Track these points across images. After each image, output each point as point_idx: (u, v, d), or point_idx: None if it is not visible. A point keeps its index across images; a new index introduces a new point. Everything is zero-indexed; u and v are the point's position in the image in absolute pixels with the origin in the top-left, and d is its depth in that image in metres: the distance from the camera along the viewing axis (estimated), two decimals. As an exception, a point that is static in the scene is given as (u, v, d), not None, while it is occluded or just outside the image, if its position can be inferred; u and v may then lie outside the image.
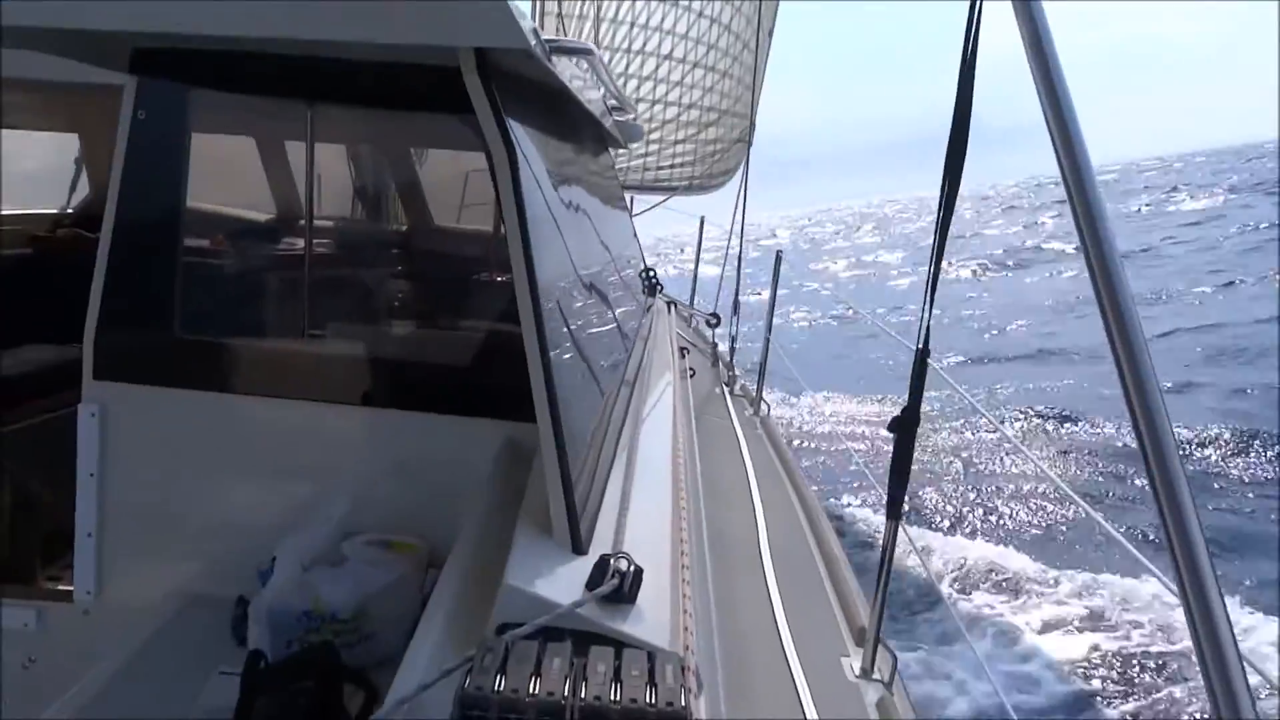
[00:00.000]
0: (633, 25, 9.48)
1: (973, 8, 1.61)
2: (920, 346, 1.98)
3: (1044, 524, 7.87)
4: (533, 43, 1.57)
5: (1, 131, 3.60)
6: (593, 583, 1.38)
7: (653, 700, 1.07)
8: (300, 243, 2.60)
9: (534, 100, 2.05)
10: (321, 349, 2.48)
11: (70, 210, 4.68)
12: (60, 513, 2.35)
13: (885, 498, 2.23)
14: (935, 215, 1.82)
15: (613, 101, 3.21)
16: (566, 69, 2.08)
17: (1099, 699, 5.64)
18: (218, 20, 1.60)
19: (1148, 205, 48.80)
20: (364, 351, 2.48)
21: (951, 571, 7.16)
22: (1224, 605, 1.00)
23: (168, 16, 1.62)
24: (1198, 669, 1.00)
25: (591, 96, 2.69)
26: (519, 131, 1.75)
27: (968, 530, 7.98)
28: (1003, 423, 10.59)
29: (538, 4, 8.66)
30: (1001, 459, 9.72)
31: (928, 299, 1.92)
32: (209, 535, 2.33)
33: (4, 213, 4.22)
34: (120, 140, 2.15)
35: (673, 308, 5.16)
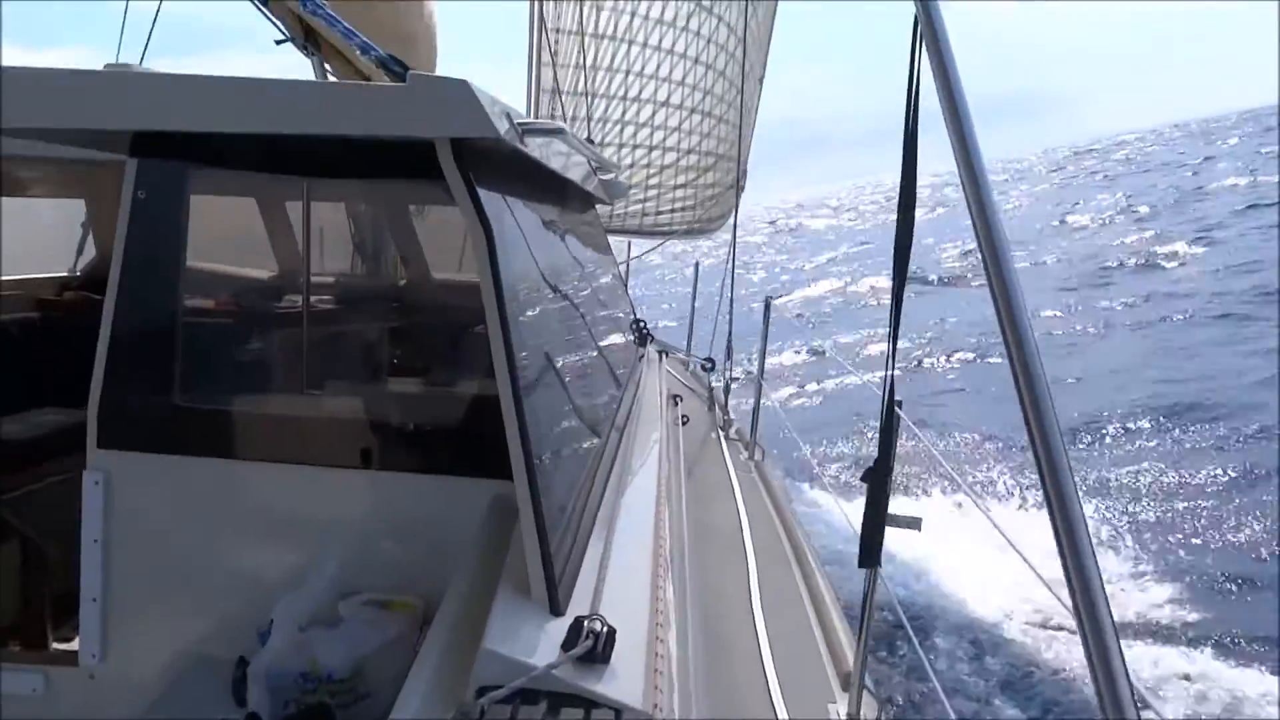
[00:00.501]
0: (628, 73, 9.67)
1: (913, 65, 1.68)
2: (889, 396, 2.04)
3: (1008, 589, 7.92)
4: (503, 129, 1.67)
5: (1, 200, 3.70)
6: (568, 644, 1.44)
7: None
8: (298, 303, 2.68)
9: (511, 172, 2.15)
10: (317, 412, 2.55)
11: (78, 273, 4.79)
12: (69, 574, 2.41)
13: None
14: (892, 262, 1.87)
15: (596, 164, 3.32)
16: (541, 146, 2.18)
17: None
18: (216, 120, 1.72)
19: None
20: (358, 413, 2.55)
21: (935, 615, 7.20)
22: (1111, 618, 1.06)
23: (168, 118, 1.74)
24: None
25: (571, 164, 2.79)
26: (495, 204, 1.85)
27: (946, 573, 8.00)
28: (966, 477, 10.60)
29: (533, 49, 8.86)
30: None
31: (890, 350, 1.98)
32: (211, 597, 2.39)
33: (11, 277, 4.33)
34: (122, 219, 2.25)
35: (664, 356, 5.23)
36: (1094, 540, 1.11)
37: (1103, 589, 1.05)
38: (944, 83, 1.41)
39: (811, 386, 17.27)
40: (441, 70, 4.44)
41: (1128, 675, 1.01)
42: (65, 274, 4.74)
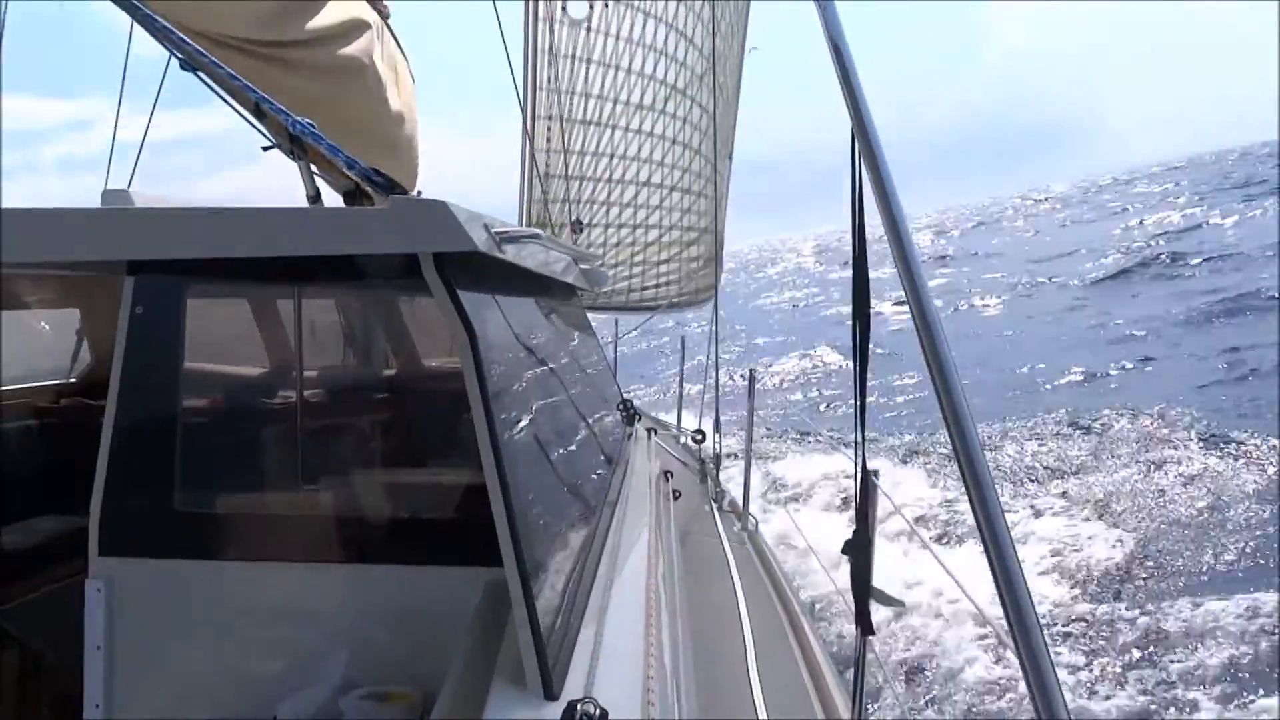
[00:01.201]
0: (611, 156, 9.95)
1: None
2: (861, 467, 2.11)
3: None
4: (481, 241, 1.79)
5: (1, 314, 3.79)
6: None
7: None
8: (291, 400, 2.76)
9: (492, 275, 2.26)
10: (313, 509, 2.61)
11: (73, 380, 4.86)
12: (70, 680, 2.44)
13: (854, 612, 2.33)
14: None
15: (576, 256, 3.45)
16: (520, 250, 2.29)
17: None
18: (210, 248, 1.83)
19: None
20: (352, 508, 2.61)
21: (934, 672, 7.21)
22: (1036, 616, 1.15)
23: (163, 249, 1.85)
24: None
25: (550, 262, 2.91)
26: (477, 306, 1.95)
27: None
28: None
29: (525, 141, 9.12)
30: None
31: (858, 420, 2.06)
32: (214, 700, 2.41)
33: (9, 387, 4.39)
34: (120, 333, 2.33)
35: (653, 433, 5.31)
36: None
37: (1031, 604, 1.15)
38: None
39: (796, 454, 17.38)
40: (424, 169, 4.62)
41: (1059, 684, 1.10)
42: (61, 381, 4.81)
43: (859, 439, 2.01)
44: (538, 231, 2.26)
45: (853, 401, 2.02)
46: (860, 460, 2.04)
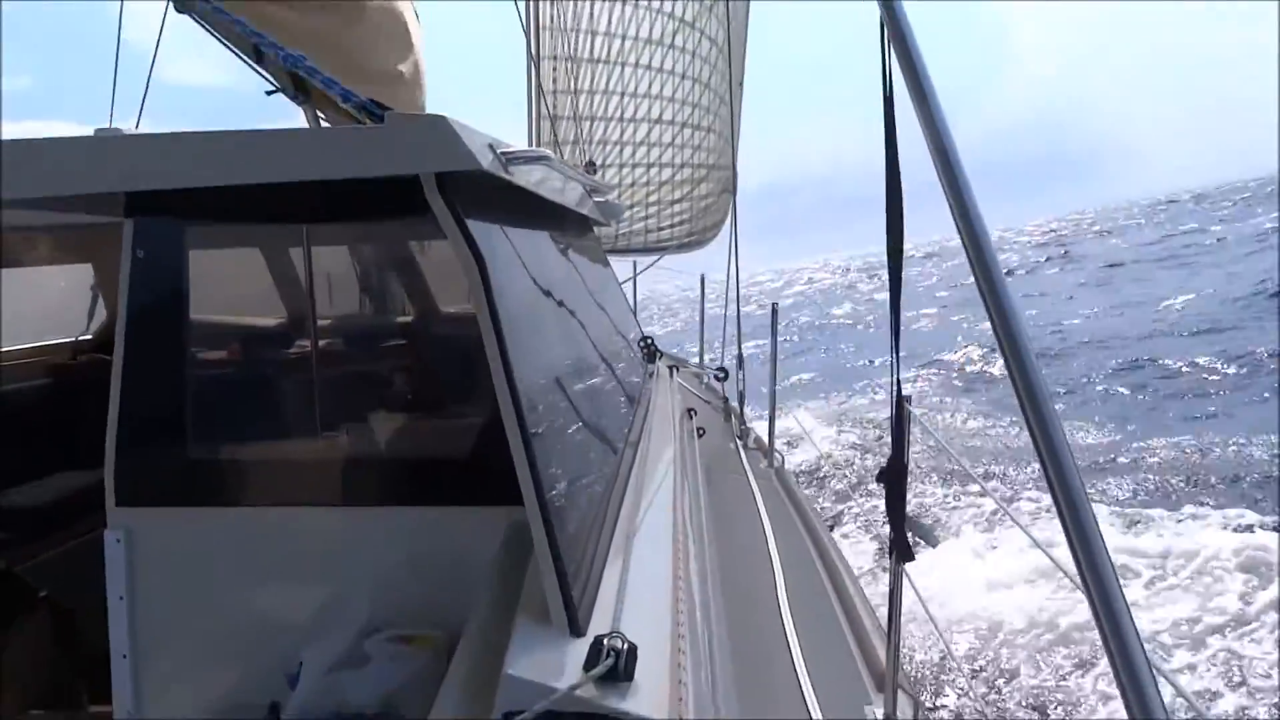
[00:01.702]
0: (621, 95, 9.76)
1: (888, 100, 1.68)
2: (895, 392, 2.03)
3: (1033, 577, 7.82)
4: (486, 161, 1.70)
5: (2, 272, 3.76)
6: (589, 663, 1.45)
7: None
8: (305, 346, 2.71)
9: (500, 201, 2.18)
10: (329, 454, 2.57)
11: (89, 336, 4.86)
12: (102, 634, 2.44)
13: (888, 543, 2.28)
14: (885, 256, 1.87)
15: (589, 186, 3.35)
16: (528, 173, 2.20)
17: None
18: (208, 174, 1.76)
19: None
20: (371, 452, 2.57)
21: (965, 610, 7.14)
22: (1130, 615, 1.05)
23: (157, 177, 1.78)
24: None
25: (562, 189, 2.82)
26: (485, 234, 1.87)
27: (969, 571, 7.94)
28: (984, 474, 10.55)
29: (530, 82, 8.95)
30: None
31: (893, 344, 1.98)
32: (240, 645, 2.41)
33: (24, 346, 4.39)
34: (123, 279, 2.28)
35: (675, 370, 5.24)
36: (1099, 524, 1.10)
37: (1115, 578, 1.05)
38: (913, 82, 1.42)
39: (824, 386, 17.31)
40: (433, 109, 4.50)
41: (1150, 668, 1.01)
42: (77, 338, 4.81)
43: (894, 361, 1.93)
44: (547, 153, 2.17)
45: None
46: (895, 384, 1.96)
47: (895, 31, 1.48)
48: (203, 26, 3.56)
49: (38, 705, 3.02)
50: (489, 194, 2.03)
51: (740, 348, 6.15)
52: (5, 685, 3.08)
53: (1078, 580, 1.09)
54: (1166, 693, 1.03)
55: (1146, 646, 1.02)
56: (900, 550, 2.26)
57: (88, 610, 2.81)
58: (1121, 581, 1.05)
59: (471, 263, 1.75)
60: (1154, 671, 1.01)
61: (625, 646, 1.47)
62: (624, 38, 9.53)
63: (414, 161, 1.70)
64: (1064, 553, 1.14)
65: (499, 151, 1.84)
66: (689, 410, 4.52)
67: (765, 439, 5.43)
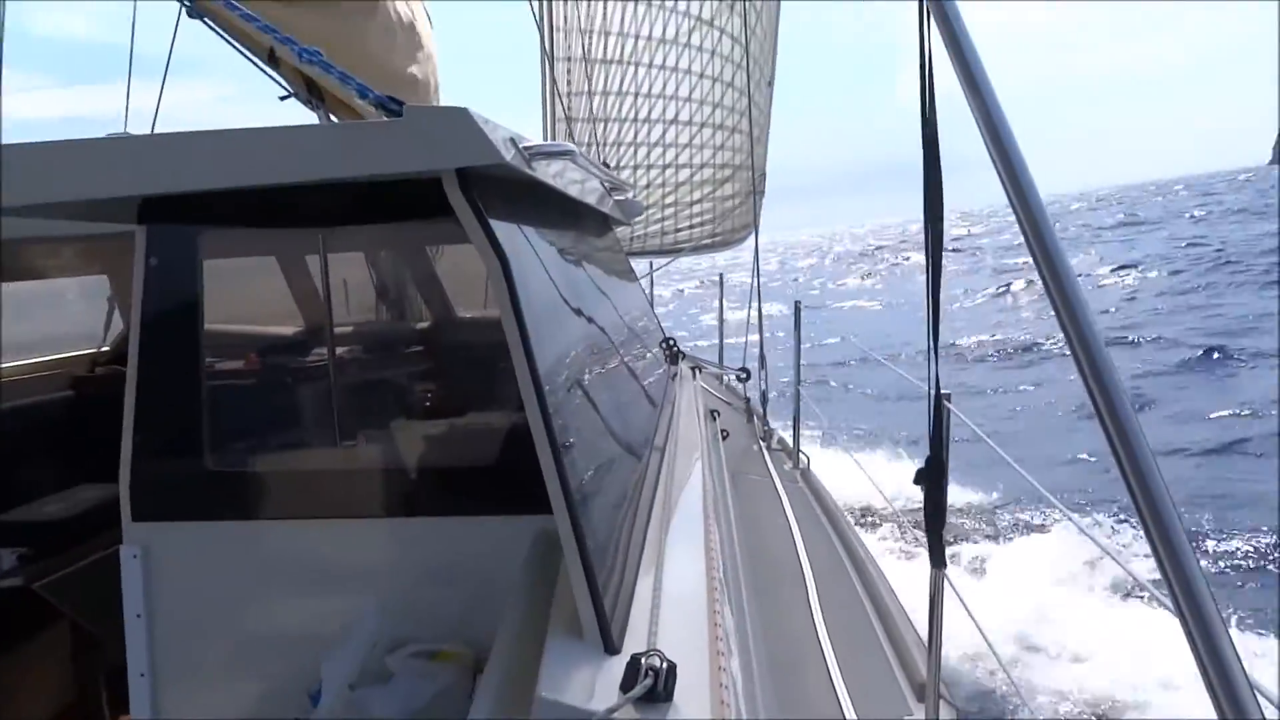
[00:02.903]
0: (636, 95, 9.69)
1: (923, 57, 1.60)
2: (934, 390, 1.94)
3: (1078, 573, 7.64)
4: (509, 155, 1.62)
5: (2, 286, 3.72)
6: (627, 684, 1.36)
7: None
8: (323, 354, 2.65)
9: (523, 199, 2.10)
10: (351, 464, 2.51)
11: (106, 348, 4.83)
12: (121, 650, 2.38)
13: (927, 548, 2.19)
14: (925, 251, 1.78)
15: (610, 184, 3.27)
16: (551, 168, 2.13)
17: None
18: (223, 176, 1.69)
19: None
20: (391, 461, 2.50)
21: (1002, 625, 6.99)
22: (1223, 624, 0.95)
23: (173, 178, 1.71)
24: None
25: (583, 185, 2.74)
26: (509, 233, 1.80)
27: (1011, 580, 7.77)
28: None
29: (545, 83, 8.90)
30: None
31: (931, 340, 1.87)
32: (260, 661, 2.35)
33: (44, 358, 4.36)
34: (136, 287, 2.22)
35: (697, 372, 5.16)
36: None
37: (1207, 585, 0.95)
38: (961, 63, 1.32)
39: (851, 386, 17.10)
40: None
41: (1244, 669, 0.91)
42: (95, 350, 4.78)
43: (932, 354, 1.83)
44: (570, 147, 2.08)
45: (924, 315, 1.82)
46: (933, 377, 1.86)
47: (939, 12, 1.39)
48: (214, 30, 3.52)
49: None
50: (511, 191, 1.96)
51: (762, 348, 6.05)
52: (25, 703, 3.03)
53: (1157, 589, 1.00)
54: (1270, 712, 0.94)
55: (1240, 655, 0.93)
56: (938, 555, 2.17)
57: (109, 625, 2.76)
58: (1211, 585, 0.95)
59: (495, 263, 1.67)
60: (1253, 687, 0.91)
61: (664, 666, 1.39)
62: (638, 37, 9.46)
63: (435, 156, 1.62)
64: (1140, 564, 1.05)
65: (521, 146, 1.77)
66: (712, 412, 4.44)
67: (790, 440, 5.33)
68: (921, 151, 1.67)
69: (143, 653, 2.31)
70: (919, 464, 2.08)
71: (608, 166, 8.20)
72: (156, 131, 3.68)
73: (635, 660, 1.39)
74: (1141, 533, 1.01)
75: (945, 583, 2.22)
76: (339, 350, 2.66)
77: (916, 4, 1.51)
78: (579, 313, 2.46)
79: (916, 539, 7.60)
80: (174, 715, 2.32)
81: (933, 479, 2.05)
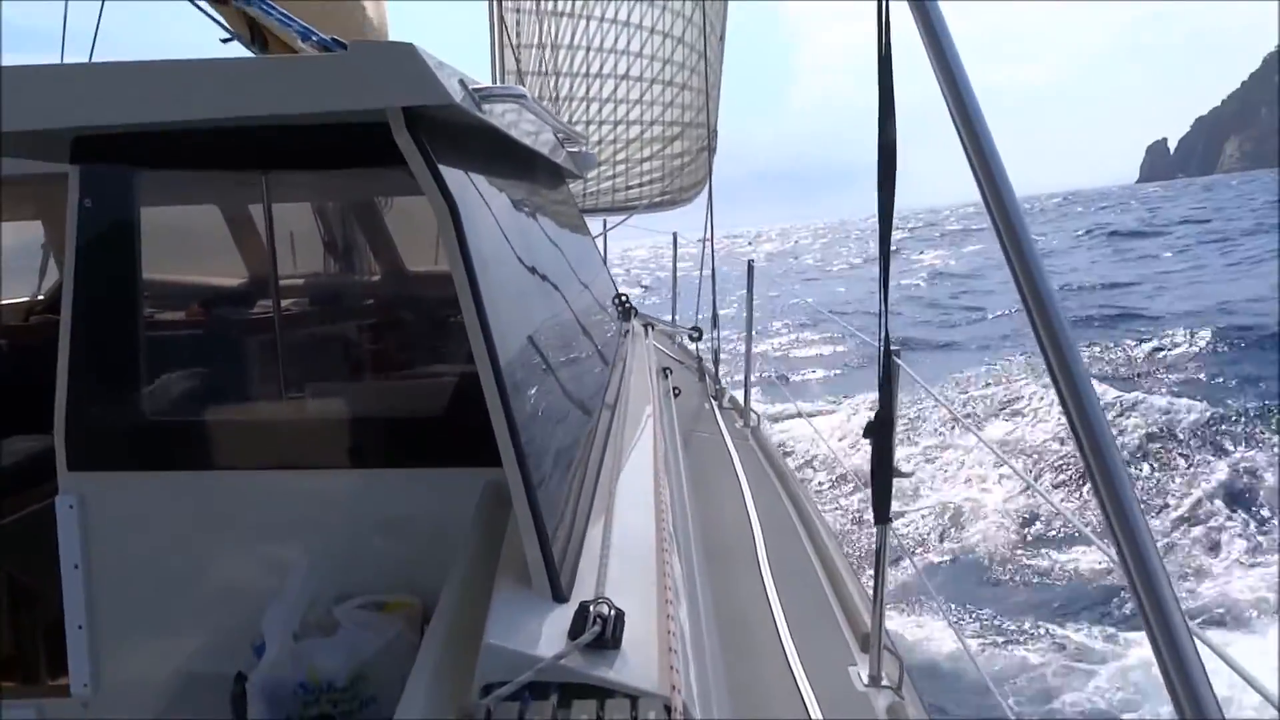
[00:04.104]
0: (588, 49, 9.56)
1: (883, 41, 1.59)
2: (884, 347, 1.95)
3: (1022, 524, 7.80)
4: (458, 96, 1.59)
5: None
6: (574, 631, 1.37)
7: None
8: (268, 304, 2.59)
9: (473, 145, 2.06)
10: (296, 414, 2.47)
11: (41, 296, 4.68)
12: (58, 602, 2.33)
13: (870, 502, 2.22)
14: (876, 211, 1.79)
15: (562, 134, 3.23)
16: (503, 113, 2.08)
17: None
18: (156, 109, 1.62)
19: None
20: (337, 413, 2.47)
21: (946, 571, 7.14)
22: (1176, 602, 0.97)
23: (105, 112, 1.64)
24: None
25: (536, 134, 2.70)
26: (458, 179, 1.76)
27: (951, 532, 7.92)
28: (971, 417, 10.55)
29: (494, 34, 8.74)
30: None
31: (882, 295, 1.89)
32: (201, 614, 2.31)
33: None
34: (70, 230, 2.15)
35: (650, 329, 5.16)
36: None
37: (1157, 552, 0.97)
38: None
39: (801, 346, 17.24)
40: None
41: (1179, 605, 0.94)
42: (29, 298, 4.64)
43: (882, 311, 1.84)
44: (522, 90, 2.03)
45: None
46: (884, 336, 1.88)
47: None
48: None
49: None
50: (461, 136, 1.92)
51: (715, 307, 6.07)
52: None
53: (1098, 539, 1.02)
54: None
55: (1184, 609, 0.95)
56: (883, 510, 2.20)
57: (44, 580, 2.70)
58: (1153, 535, 0.98)
59: (444, 209, 1.63)
60: (1194, 638, 0.94)
61: (612, 613, 1.39)
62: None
63: (380, 94, 1.57)
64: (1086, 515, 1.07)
65: (471, 88, 1.72)
66: (664, 370, 4.44)
67: (740, 399, 5.37)
68: (877, 112, 1.68)
69: (80, 605, 2.26)
70: (867, 419, 2.11)
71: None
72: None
73: (584, 607, 1.40)
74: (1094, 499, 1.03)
75: (889, 536, 2.26)
76: (284, 300, 2.61)
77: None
78: (530, 265, 2.43)
79: (863, 495, 7.76)
80: (113, 669, 2.29)
81: (881, 433, 2.07)
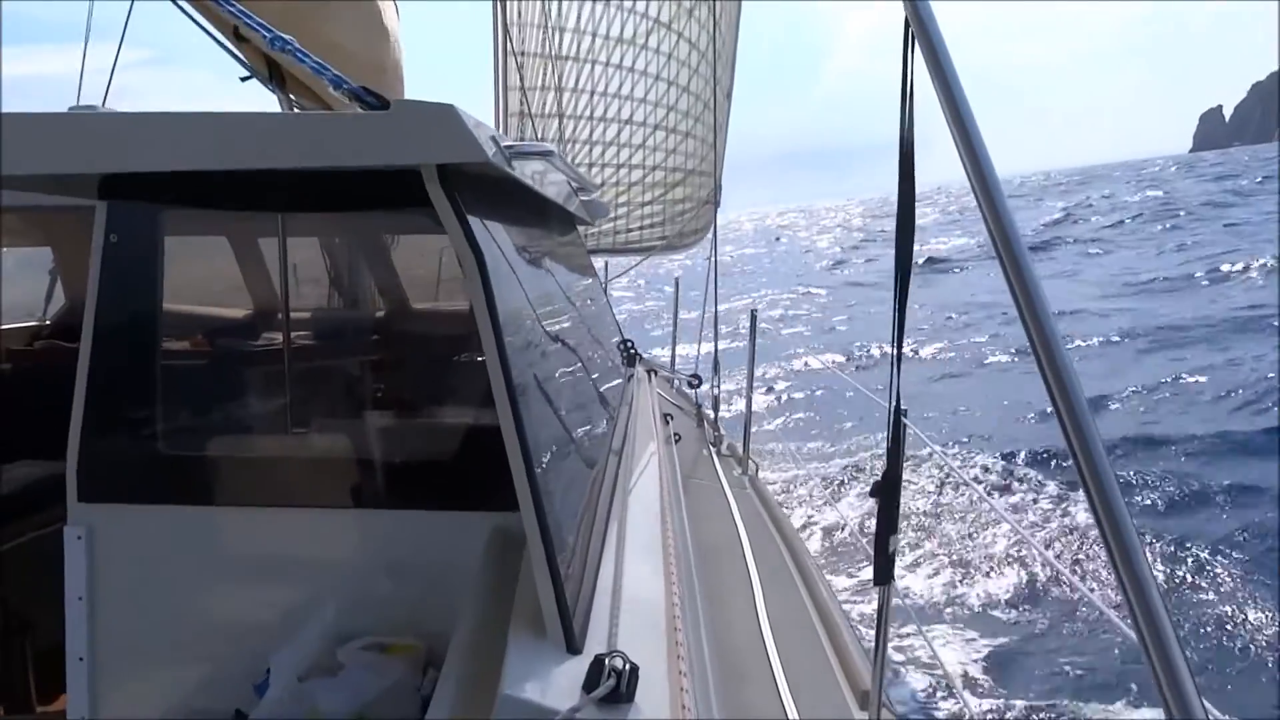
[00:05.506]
0: (593, 93, 9.68)
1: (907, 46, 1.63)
2: (894, 405, 1.97)
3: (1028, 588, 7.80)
4: (491, 153, 1.63)
5: None
6: (590, 684, 1.39)
7: None
8: (278, 341, 2.62)
9: (498, 196, 2.11)
10: (304, 453, 2.48)
11: (47, 322, 4.70)
12: (54, 632, 2.33)
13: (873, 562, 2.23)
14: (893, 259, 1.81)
15: (577, 184, 3.29)
16: (529, 169, 2.13)
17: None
18: (190, 159, 1.66)
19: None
20: (347, 452, 2.48)
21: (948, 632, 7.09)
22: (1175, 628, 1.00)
23: (139, 159, 1.67)
24: None
25: (556, 184, 2.75)
26: (484, 230, 1.80)
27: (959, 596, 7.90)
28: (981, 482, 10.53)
29: (500, 70, 8.86)
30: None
31: (894, 355, 1.91)
32: (203, 650, 2.31)
33: None
34: (94, 264, 2.18)
35: (652, 375, 5.20)
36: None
37: (1157, 588, 1.00)
38: (940, 80, 1.37)
39: (800, 397, 17.19)
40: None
41: (1192, 676, 0.97)
42: (35, 323, 4.65)
43: (894, 369, 1.87)
44: (550, 148, 2.09)
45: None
46: (894, 392, 1.90)
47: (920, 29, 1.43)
48: (178, 6, 3.45)
49: None
50: (487, 187, 1.96)
51: (716, 353, 6.12)
52: None
53: (1107, 603, 1.06)
54: None
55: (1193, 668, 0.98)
56: (884, 570, 2.21)
57: (39, 608, 2.69)
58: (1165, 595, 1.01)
59: (471, 259, 1.68)
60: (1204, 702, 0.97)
61: (626, 667, 1.41)
62: (594, 35, 9.45)
63: (419, 151, 1.61)
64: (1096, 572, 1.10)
65: (502, 145, 1.77)
66: (665, 416, 4.47)
67: (739, 447, 5.40)
68: (897, 169, 1.71)
69: (82, 636, 2.26)
70: (870, 477, 2.13)
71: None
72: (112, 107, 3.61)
73: (599, 660, 1.42)
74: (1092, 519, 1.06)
75: (891, 596, 2.28)
76: (295, 337, 2.64)
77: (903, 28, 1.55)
78: (546, 312, 2.47)
79: (863, 551, 7.74)
80: (112, 702, 2.28)
81: (888, 493, 2.09)
